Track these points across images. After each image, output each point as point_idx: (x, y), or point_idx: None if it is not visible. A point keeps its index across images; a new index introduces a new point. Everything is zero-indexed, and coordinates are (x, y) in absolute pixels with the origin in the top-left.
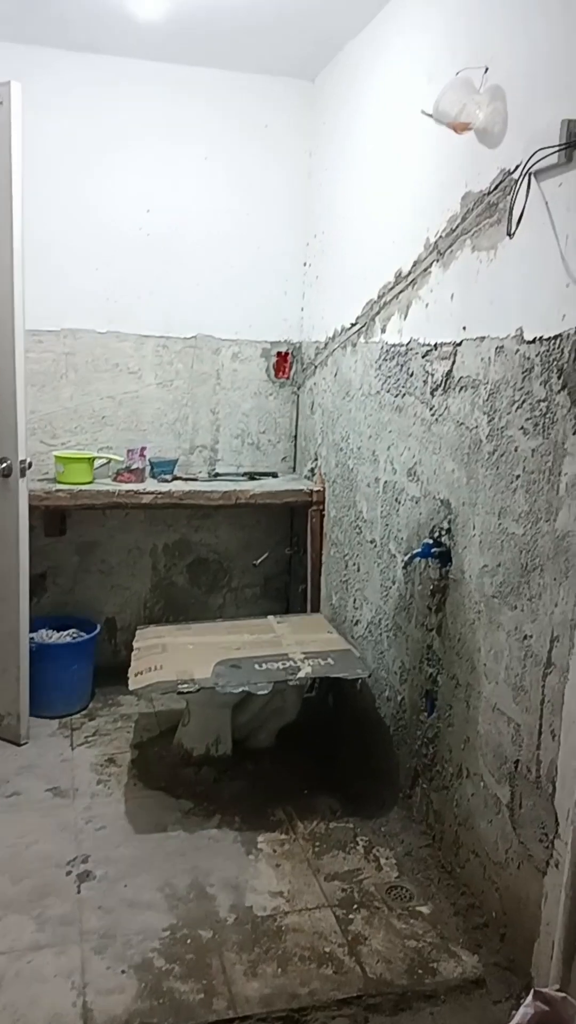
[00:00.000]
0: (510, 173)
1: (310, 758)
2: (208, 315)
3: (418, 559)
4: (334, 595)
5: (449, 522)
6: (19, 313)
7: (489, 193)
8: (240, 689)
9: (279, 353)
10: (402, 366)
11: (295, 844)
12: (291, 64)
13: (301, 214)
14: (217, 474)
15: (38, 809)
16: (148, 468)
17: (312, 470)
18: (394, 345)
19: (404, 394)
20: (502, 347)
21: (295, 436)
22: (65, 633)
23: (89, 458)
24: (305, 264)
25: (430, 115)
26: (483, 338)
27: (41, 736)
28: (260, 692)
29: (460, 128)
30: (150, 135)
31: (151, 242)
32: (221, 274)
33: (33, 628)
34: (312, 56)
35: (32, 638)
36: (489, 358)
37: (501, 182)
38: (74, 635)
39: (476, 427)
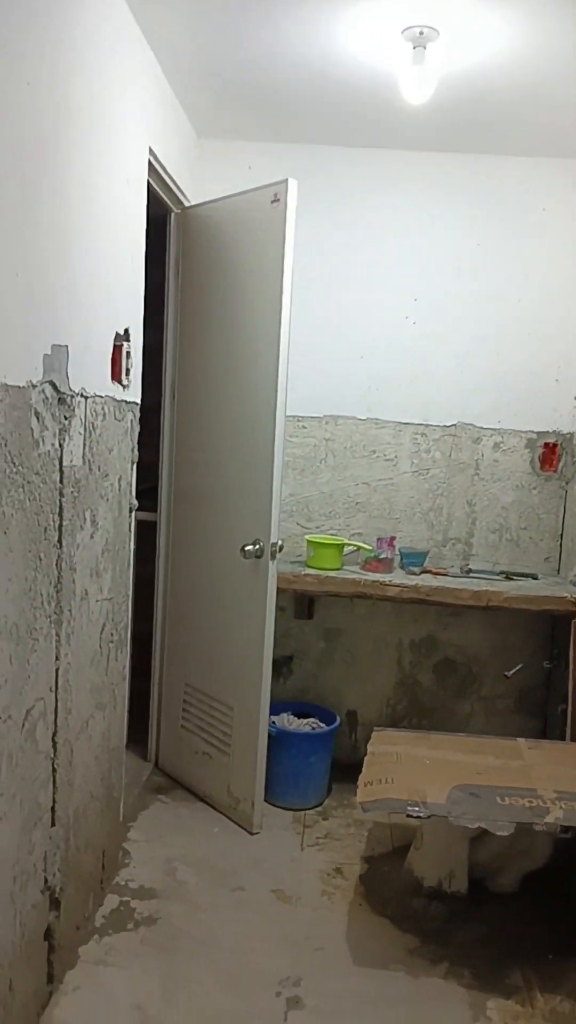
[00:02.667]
0: None
1: (561, 915)
2: (470, 403)
3: None
4: None
5: None
6: (281, 400)
7: None
8: (476, 824)
9: (546, 444)
10: None
11: (532, 1020)
12: (569, 144)
13: None
14: (470, 570)
15: (261, 912)
16: (397, 559)
17: None
18: None
19: None
20: None
21: (561, 535)
22: (305, 721)
23: (339, 544)
24: None
25: None
26: None
27: (273, 828)
28: (500, 832)
29: None
30: (418, 224)
31: (416, 331)
32: (487, 361)
33: (275, 711)
34: None
35: (273, 722)
36: None
37: None
38: (314, 725)
39: None
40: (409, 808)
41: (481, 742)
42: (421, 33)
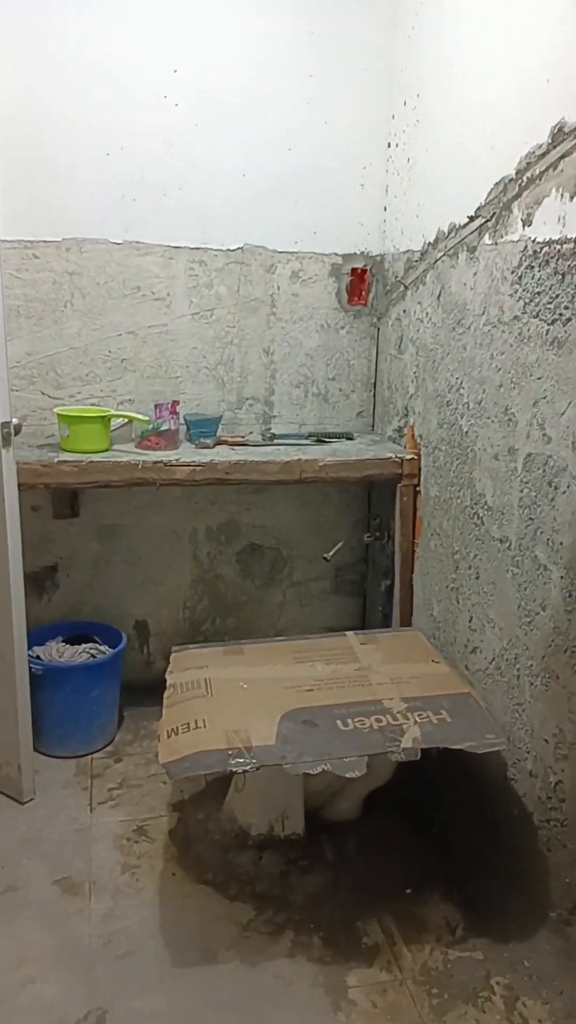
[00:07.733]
0: None
1: (410, 838)
2: (259, 218)
3: None
4: (435, 603)
5: None
6: None
7: None
8: (320, 769)
9: (354, 270)
10: (564, 275)
11: (402, 989)
12: None
13: (384, 76)
14: (273, 436)
15: (40, 916)
16: (183, 429)
17: (399, 430)
18: (549, 242)
19: (570, 319)
20: None
21: (374, 384)
22: (82, 648)
23: (103, 417)
24: (390, 145)
25: None
26: None
27: (51, 787)
28: (350, 775)
29: None
30: None
31: (180, 115)
32: (276, 161)
33: (40, 639)
34: None
35: (39, 656)
36: None
37: None
38: (93, 651)
39: None
40: (232, 762)
41: (306, 645)
42: None
